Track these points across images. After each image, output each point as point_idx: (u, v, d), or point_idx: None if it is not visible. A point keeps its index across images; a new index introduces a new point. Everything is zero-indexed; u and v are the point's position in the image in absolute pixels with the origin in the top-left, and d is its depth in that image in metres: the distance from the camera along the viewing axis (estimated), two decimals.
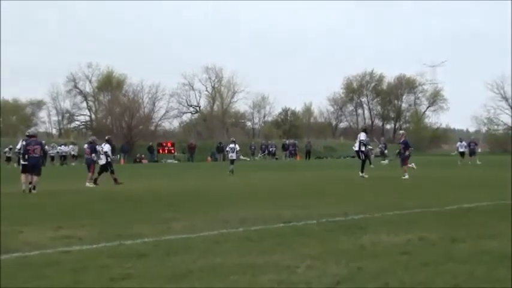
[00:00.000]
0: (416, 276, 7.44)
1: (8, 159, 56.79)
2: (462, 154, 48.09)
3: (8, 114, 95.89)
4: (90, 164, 27.62)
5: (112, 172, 28.17)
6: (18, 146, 25.82)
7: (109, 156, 28.45)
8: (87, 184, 26.56)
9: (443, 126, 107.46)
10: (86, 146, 29.57)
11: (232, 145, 37.72)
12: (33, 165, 23.69)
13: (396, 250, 9.16)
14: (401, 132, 30.75)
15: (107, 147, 28.56)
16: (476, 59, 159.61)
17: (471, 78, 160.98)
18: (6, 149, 57.49)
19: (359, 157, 29.99)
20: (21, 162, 24.67)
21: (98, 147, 28.36)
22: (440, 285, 7.02)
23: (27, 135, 25.45)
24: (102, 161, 28.24)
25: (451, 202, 15.99)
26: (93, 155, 27.70)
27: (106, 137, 30.33)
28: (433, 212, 14.27)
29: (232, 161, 37.04)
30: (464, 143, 49.47)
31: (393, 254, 8.89)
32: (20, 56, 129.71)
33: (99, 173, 27.95)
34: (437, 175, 31.04)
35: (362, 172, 29.13)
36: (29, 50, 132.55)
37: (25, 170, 23.97)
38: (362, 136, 29.58)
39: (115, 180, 27.52)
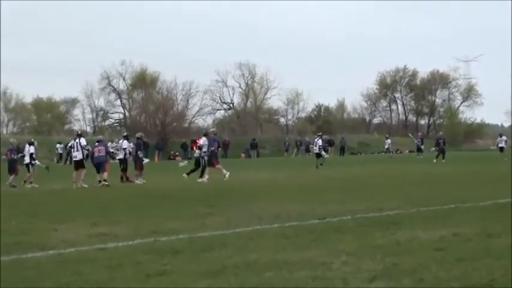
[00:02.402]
0: (451, 271, 7.40)
1: (60, 156, 56.69)
2: (501, 149, 47.43)
3: (42, 112, 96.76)
4: (136, 160, 27.75)
5: (123, 170, 28.32)
6: (70, 144, 27.09)
7: (126, 154, 28.56)
8: (137, 181, 26.67)
9: (478, 121, 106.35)
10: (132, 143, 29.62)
11: (316, 139, 39.70)
12: (98, 163, 26.04)
13: (431, 246, 9.11)
14: (211, 130, 29.78)
15: (125, 144, 28.65)
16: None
17: (506, 72, 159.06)
18: (58, 145, 57.62)
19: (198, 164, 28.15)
20: (73, 159, 26.73)
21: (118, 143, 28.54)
22: (476, 281, 6.97)
23: (78, 134, 27.64)
24: (120, 155, 28.37)
25: (486, 197, 15.84)
26: (139, 152, 27.76)
27: (124, 134, 30.41)
28: (468, 207, 14.17)
29: (316, 155, 38.94)
30: (504, 137, 48.75)
31: (428, 249, 8.84)
32: (54, 54, 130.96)
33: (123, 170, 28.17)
34: (471, 170, 30.76)
35: (188, 174, 27.65)
36: (62, 49, 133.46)
37: (77, 167, 25.93)
38: (201, 141, 28.22)
39: (122, 178, 27.66)
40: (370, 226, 11.42)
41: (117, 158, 28.97)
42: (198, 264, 8.27)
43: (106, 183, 25.27)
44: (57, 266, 8.45)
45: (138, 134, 29.67)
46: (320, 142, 39.37)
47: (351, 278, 7.23)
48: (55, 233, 11.83)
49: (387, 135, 60.89)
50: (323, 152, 39.79)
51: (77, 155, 26.15)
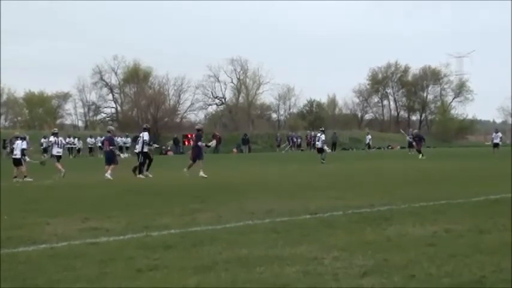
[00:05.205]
0: (442, 267, 7.42)
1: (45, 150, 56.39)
2: (496, 145, 47.34)
3: (34, 107, 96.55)
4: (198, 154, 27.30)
5: (143, 163, 27.74)
6: (52, 139, 28.87)
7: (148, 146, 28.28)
8: (185, 170, 26.23)
9: (470, 117, 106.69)
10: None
11: (318, 134, 40.41)
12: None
13: (422, 242, 9.14)
14: (108, 127, 30.09)
15: (146, 135, 28.17)
16: (502, 50, 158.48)
17: (498, 69, 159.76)
18: (43, 140, 57.32)
19: (147, 158, 27.91)
20: (56, 154, 29.44)
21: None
22: (467, 277, 6.99)
23: (54, 133, 30.46)
24: (139, 148, 27.97)
25: (478, 193, 15.88)
26: (199, 143, 27.11)
27: (144, 126, 30.00)
28: (460, 203, 14.18)
29: (318, 150, 39.62)
30: (499, 134, 48.67)
31: (419, 245, 8.87)
32: (47, 49, 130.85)
33: (145, 164, 27.84)
34: (463, 166, 30.81)
35: (140, 173, 27.29)
36: (55, 44, 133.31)
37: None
38: (145, 136, 28.11)
39: (135, 170, 27.42)
40: (362, 222, 11.43)
41: (136, 151, 28.49)
42: (190, 259, 8.27)
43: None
44: (48, 260, 8.44)
45: (198, 126, 29.15)
46: (323, 137, 39.58)
47: (342, 274, 7.25)
48: (47, 227, 11.81)
49: (368, 131, 61.96)
50: (325, 147, 39.90)
51: (60, 151, 29.50)
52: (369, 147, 59.24)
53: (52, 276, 7.51)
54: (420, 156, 42.23)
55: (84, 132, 77.81)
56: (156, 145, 28.15)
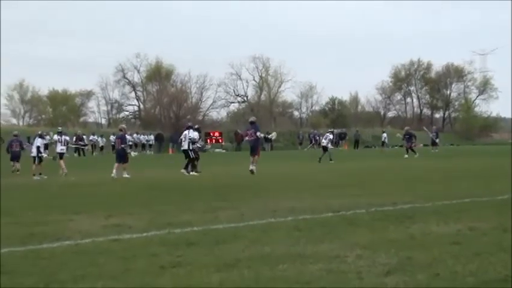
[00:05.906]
0: (467, 266, 7.36)
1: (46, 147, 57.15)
2: None
3: (58, 105, 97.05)
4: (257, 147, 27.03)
5: (197, 158, 27.98)
6: (56, 138, 31.83)
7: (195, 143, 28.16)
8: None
9: (494, 115, 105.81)
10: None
11: (327, 133, 40.70)
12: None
13: (446, 240, 9.07)
14: (121, 126, 30.17)
15: (195, 135, 28.25)
16: None
17: None
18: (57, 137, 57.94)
19: (187, 156, 27.79)
20: (59, 151, 30.64)
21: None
22: (492, 276, 6.94)
23: (58, 132, 32.38)
24: (185, 146, 27.95)
25: (502, 191, 15.74)
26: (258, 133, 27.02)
27: (189, 124, 29.92)
28: (484, 201, 14.08)
29: (323, 148, 39.31)
30: None
31: (443, 244, 8.81)
32: (70, 48, 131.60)
33: (194, 160, 27.81)
34: (487, 164, 30.61)
35: (187, 169, 27.24)
36: (78, 43, 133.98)
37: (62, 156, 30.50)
38: (191, 133, 27.76)
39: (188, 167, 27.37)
40: (384, 220, 11.37)
41: (182, 148, 28.45)
42: (212, 256, 8.28)
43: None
44: (72, 257, 8.49)
45: (252, 119, 28.58)
46: (331, 137, 39.91)
47: (365, 272, 7.21)
48: (71, 223, 11.88)
49: (384, 130, 62.01)
50: (330, 146, 39.32)
51: (64, 149, 31.13)
52: (383, 145, 59.77)
53: (76, 272, 7.55)
54: (406, 155, 41.60)
55: (107, 129, 78.00)
56: (199, 143, 28.13)
